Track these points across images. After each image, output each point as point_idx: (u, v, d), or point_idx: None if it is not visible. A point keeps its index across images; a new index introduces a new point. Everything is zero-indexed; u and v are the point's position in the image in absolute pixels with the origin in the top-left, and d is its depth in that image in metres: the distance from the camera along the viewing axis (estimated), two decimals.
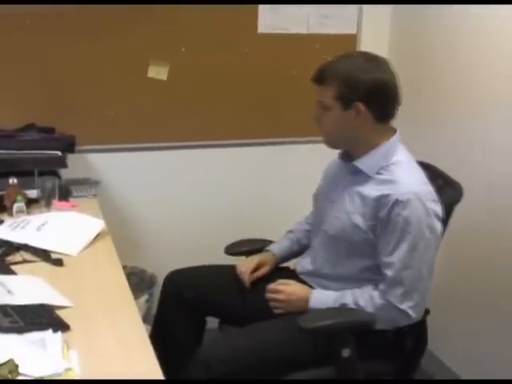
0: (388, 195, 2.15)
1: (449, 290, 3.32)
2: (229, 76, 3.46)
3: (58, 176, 3.06)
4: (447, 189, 2.39)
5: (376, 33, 3.65)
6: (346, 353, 2.16)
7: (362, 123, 2.22)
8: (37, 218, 2.64)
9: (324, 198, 2.48)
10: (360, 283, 2.26)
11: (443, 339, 3.40)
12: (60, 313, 1.90)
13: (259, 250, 2.72)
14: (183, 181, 3.50)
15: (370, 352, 2.22)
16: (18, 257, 2.36)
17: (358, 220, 2.23)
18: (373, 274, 2.25)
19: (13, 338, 1.71)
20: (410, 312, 2.16)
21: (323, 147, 3.63)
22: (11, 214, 2.78)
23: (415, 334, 2.35)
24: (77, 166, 3.20)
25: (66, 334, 1.78)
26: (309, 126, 3.64)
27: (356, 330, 2.19)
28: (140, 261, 3.45)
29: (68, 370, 1.59)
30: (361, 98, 2.18)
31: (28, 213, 2.81)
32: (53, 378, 1.55)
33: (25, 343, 1.68)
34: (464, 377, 3.25)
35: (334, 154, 2.49)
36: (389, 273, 2.16)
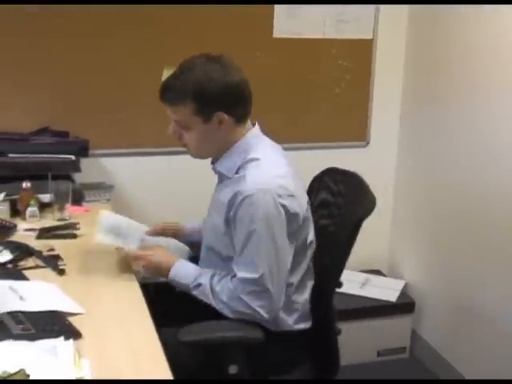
0: (235, 194, 2.10)
1: (456, 293, 3.32)
2: None
3: (72, 180, 3.05)
4: (362, 199, 2.33)
5: (392, 37, 3.64)
6: (233, 369, 2.09)
7: (225, 130, 2.17)
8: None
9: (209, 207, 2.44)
10: None
11: (446, 338, 3.42)
12: (72, 320, 1.88)
13: None
14: (198, 185, 3.47)
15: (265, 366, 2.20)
16: (30, 262, 2.35)
17: (219, 227, 2.19)
18: None
19: (24, 346, 1.69)
20: (261, 311, 2.07)
21: (335, 152, 3.65)
22: (24, 219, 2.78)
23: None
24: (90, 170, 3.20)
25: (77, 341, 1.76)
26: (324, 132, 3.67)
27: (243, 346, 2.13)
28: None
29: (79, 378, 1.57)
30: (219, 107, 2.13)
31: (41, 217, 2.80)
32: None
33: (36, 351, 1.66)
34: (468, 376, 3.26)
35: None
36: (238, 272, 2.09)
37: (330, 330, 2.35)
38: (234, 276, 2.11)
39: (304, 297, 2.29)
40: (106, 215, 2.53)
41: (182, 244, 2.62)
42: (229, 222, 2.14)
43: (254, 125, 2.28)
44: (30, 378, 1.49)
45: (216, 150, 2.25)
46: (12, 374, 1.43)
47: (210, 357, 2.12)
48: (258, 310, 2.07)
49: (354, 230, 2.24)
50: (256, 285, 2.06)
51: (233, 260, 2.15)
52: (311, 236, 2.27)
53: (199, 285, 2.17)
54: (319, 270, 2.37)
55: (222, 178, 2.28)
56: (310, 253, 2.28)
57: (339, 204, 2.45)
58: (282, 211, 2.08)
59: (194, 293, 2.18)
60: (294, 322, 2.25)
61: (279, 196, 2.08)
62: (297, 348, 2.28)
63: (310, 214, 2.26)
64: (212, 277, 2.17)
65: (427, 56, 3.50)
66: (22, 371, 1.45)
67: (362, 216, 2.23)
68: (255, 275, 2.06)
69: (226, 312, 2.12)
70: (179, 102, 2.14)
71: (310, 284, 2.32)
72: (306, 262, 2.27)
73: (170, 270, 2.23)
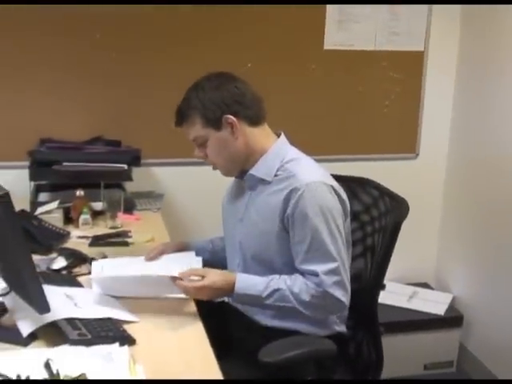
0: (291, 191, 2.11)
1: (505, 307, 3.32)
2: (294, 92, 3.46)
3: (123, 189, 3.10)
4: (394, 206, 2.33)
5: (444, 50, 3.62)
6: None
7: (240, 134, 2.18)
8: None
9: (230, 219, 2.41)
10: None
11: (495, 353, 3.38)
12: (124, 325, 1.91)
13: None
14: None
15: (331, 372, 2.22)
16: (84, 269, 2.39)
17: (270, 233, 2.18)
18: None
19: (81, 351, 1.72)
20: (345, 300, 2.11)
21: (385, 163, 3.64)
22: (77, 226, 2.83)
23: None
24: (140, 178, 3.23)
25: (131, 348, 1.78)
26: (374, 144, 3.67)
27: (318, 359, 2.13)
28: None
29: None
30: (225, 110, 2.16)
31: (93, 225, 2.85)
32: None
33: (92, 356, 1.69)
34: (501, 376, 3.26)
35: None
36: (317, 268, 2.09)
37: (376, 332, 2.36)
38: (308, 275, 2.11)
39: None
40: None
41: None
42: (285, 221, 2.14)
43: (278, 135, 2.30)
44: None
45: (242, 161, 2.25)
46: (73, 378, 1.46)
47: (285, 374, 2.11)
48: (343, 299, 2.11)
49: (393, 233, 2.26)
50: (336, 274, 2.09)
51: (287, 263, 2.17)
52: (349, 235, 2.29)
53: (275, 291, 2.13)
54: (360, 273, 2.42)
55: (254, 185, 2.27)
56: (349, 253, 2.29)
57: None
58: (338, 201, 2.15)
59: (269, 302, 2.13)
60: (341, 322, 2.29)
61: (333, 187, 2.14)
62: (342, 352, 2.26)
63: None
64: (284, 280, 2.14)
65: (479, 68, 3.48)
66: (82, 375, 1.47)
67: (397, 220, 2.25)
68: (334, 264, 2.08)
69: (309, 312, 2.12)
70: (187, 119, 2.21)
71: None
72: (348, 262, 2.27)
73: (233, 287, 2.16)
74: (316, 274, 2.09)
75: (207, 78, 2.22)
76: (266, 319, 2.25)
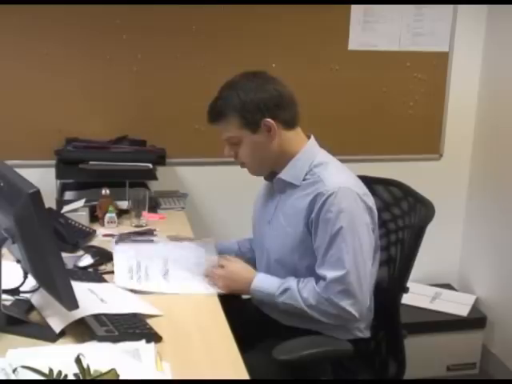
0: (316, 196, 2.10)
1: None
2: (318, 92, 3.47)
3: (148, 188, 3.12)
4: (419, 207, 2.32)
5: (469, 51, 3.62)
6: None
7: (276, 138, 2.17)
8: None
9: (260, 221, 2.42)
10: None
11: (503, 340, 3.36)
12: (150, 322, 1.92)
13: None
14: None
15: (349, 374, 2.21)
16: (110, 266, 2.41)
17: (295, 237, 2.18)
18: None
19: (108, 347, 1.73)
20: (351, 310, 2.09)
21: (408, 164, 3.64)
22: (103, 225, 2.85)
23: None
24: (165, 178, 3.26)
25: (157, 344, 1.79)
26: (397, 144, 3.67)
27: (333, 359, 2.15)
28: None
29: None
30: (265, 114, 2.14)
31: (119, 223, 2.87)
32: None
33: (120, 353, 1.70)
34: None
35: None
36: (327, 274, 2.09)
37: (398, 335, 2.35)
38: (320, 279, 2.12)
39: (372, 303, 2.30)
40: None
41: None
42: (310, 225, 2.14)
43: (308, 137, 2.29)
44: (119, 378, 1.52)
45: (273, 163, 2.25)
46: (103, 374, 1.47)
47: (300, 372, 2.12)
48: (349, 308, 2.09)
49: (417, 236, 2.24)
50: (343, 283, 2.07)
51: (310, 267, 2.16)
52: (377, 240, 2.28)
53: (286, 289, 2.16)
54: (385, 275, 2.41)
55: (283, 188, 2.27)
56: (377, 257, 2.28)
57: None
58: (365, 208, 2.13)
59: (281, 300, 2.17)
60: (365, 328, 2.28)
61: (359, 194, 2.12)
62: (361, 355, 2.27)
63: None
64: (298, 282, 2.16)
65: (504, 69, 3.47)
66: (112, 370, 1.48)
67: (422, 222, 2.24)
68: (342, 272, 2.07)
69: (316, 315, 2.13)
70: (224, 118, 2.18)
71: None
72: (376, 266, 2.27)
73: (249, 284, 2.22)
74: (324, 279, 2.10)
75: (245, 77, 2.20)
76: (287, 320, 2.25)
